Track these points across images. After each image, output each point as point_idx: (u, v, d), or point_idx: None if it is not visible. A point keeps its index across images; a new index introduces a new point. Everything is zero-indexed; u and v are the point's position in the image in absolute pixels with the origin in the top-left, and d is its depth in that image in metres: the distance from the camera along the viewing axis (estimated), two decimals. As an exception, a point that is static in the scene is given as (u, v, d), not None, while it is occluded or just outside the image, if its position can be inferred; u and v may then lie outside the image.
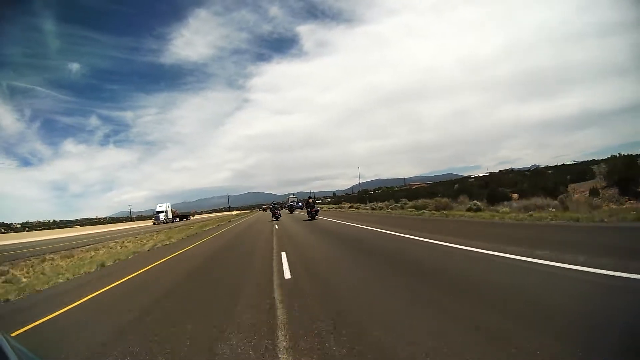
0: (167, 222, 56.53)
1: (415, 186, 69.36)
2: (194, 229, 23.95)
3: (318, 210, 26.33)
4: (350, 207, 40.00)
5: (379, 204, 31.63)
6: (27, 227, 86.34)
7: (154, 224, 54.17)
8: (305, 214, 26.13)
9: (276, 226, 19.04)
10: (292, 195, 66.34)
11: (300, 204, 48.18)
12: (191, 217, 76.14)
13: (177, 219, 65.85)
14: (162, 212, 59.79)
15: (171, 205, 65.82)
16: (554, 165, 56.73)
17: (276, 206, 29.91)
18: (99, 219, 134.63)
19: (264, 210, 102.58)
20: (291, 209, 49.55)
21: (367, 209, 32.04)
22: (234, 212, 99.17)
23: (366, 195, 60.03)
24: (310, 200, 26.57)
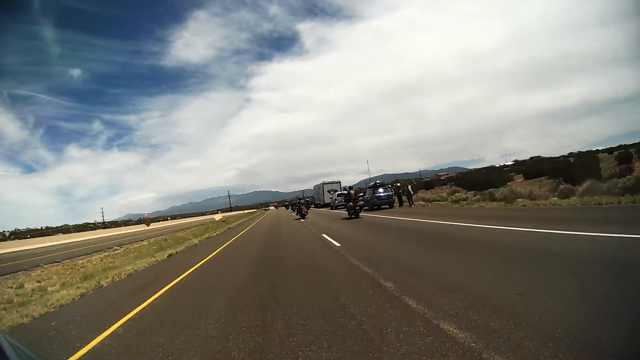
0: None
1: (444, 176, 61.41)
2: None
3: (362, 206, 18.90)
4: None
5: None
6: (14, 235, 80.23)
7: None
8: (329, 209, 19.98)
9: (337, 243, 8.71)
10: (329, 182, 42.74)
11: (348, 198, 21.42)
12: None
13: None
14: None
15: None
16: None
17: (301, 202, 26.85)
18: (98, 223, 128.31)
19: (276, 207, 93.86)
20: (308, 205, 38.44)
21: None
22: (217, 217, 51.79)
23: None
24: (352, 191, 18.95)
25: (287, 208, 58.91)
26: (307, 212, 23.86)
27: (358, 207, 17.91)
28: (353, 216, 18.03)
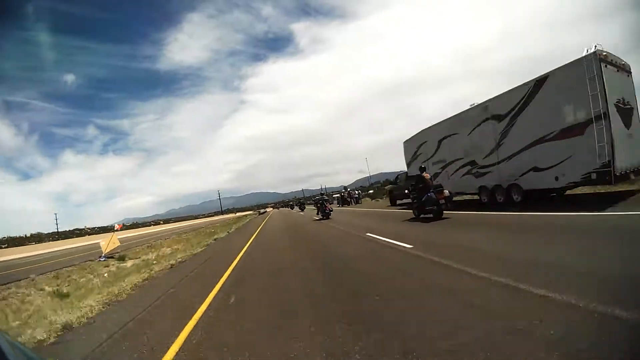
0: None
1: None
2: None
3: (448, 198, 10.88)
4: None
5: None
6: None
7: None
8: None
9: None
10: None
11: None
12: None
13: None
14: None
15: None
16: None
17: (325, 198, 23.32)
18: (87, 229, 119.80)
19: (277, 208, 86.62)
20: (331, 202, 28.85)
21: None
22: (106, 244, 14.74)
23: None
24: (427, 174, 11.02)
25: (292, 208, 55.79)
26: (331, 209, 21.19)
27: (443, 201, 10.01)
28: (431, 214, 10.20)
